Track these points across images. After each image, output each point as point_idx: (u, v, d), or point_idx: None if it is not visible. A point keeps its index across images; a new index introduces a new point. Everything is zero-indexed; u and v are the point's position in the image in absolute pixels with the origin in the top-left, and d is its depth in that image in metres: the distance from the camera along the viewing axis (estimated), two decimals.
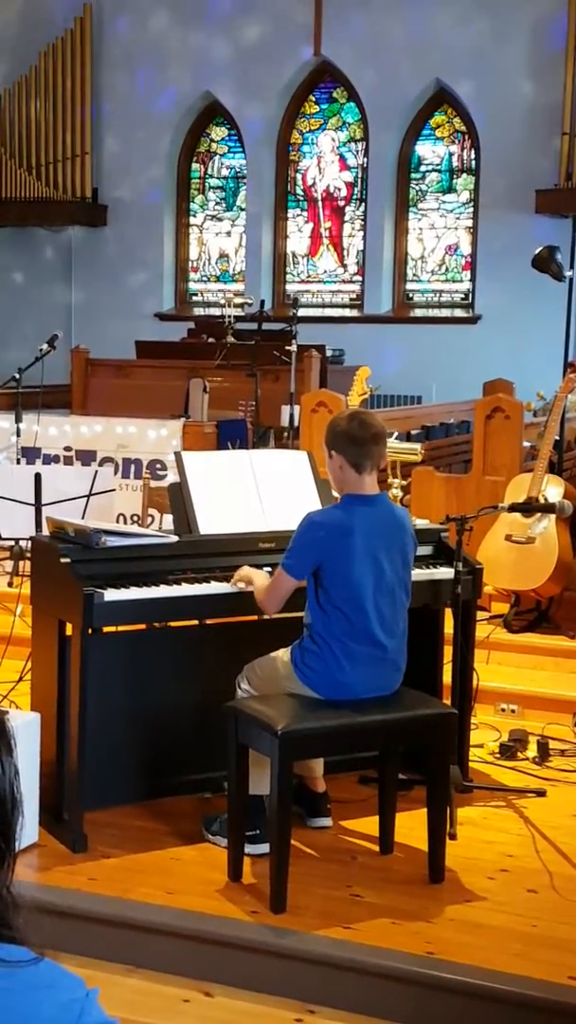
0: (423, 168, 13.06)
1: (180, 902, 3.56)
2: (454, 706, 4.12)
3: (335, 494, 4.56)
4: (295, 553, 3.73)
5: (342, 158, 13.38)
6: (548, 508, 5.61)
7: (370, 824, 4.08)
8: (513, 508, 5.27)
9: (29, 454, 7.53)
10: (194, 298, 14.05)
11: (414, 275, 13.20)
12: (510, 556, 5.82)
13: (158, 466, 7.55)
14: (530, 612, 5.99)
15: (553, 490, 5.89)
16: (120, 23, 13.54)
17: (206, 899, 3.59)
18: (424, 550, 4.34)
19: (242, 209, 13.73)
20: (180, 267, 14.01)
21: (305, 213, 13.57)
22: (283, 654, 3.86)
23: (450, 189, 12.99)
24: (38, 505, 6.01)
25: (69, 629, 3.99)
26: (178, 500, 4.27)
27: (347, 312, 13.35)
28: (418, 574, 4.13)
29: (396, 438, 5.97)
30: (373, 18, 12.51)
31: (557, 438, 6.28)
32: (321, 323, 12.62)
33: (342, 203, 13.42)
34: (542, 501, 5.76)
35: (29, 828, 3.90)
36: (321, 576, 3.71)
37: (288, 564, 3.75)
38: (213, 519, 4.25)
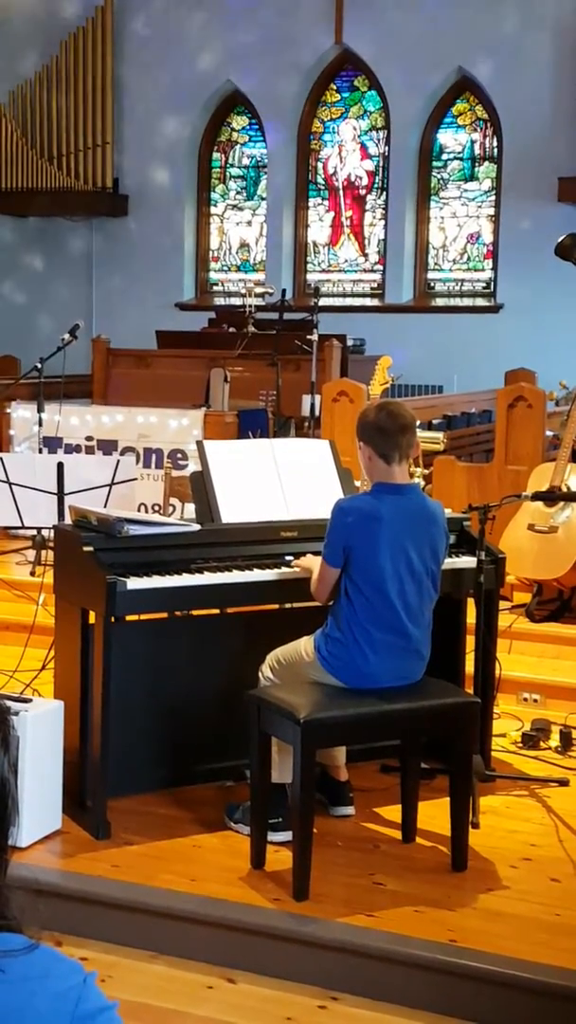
0: (445, 156, 13.00)
1: (203, 889, 3.57)
2: (476, 695, 4.11)
3: (356, 483, 4.57)
4: (329, 541, 3.76)
5: (363, 147, 13.33)
6: (571, 497, 5.60)
7: (393, 813, 4.08)
8: (536, 497, 5.25)
9: (51, 444, 7.55)
10: (215, 288, 14.04)
11: (435, 264, 13.15)
12: (532, 545, 5.80)
13: (179, 455, 7.55)
14: (552, 602, 5.97)
15: None
16: (141, 12, 13.51)
17: (229, 886, 3.60)
18: None
19: (263, 198, 13.70)
20: (201, 257, 14.00)
21: (326, 202, 13.53)
22: (307, 642, 3.87)
23: (472, 177, 12.92)
24: (60, 494, 6.03)
25: (92, 617, 4.01)
26: (200, 489, 4.28)
27: (368, 301, 13.31)
28: None
29: (418, 427, 5.95)
30: (395, 6, 12.44)
31: None
32: (342, 312, 12.58)
33: (363, 192, 13.38)
34: (565, 490, 5.75)
35: (52, 815, 3.92)
36: (348, 562, 3.72)
37: (325, 553, 3.78)
38: (235, 508, 4.25)
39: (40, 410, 7.32)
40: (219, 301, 13.65)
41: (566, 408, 6.50)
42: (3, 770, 1.36)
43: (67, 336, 7.29)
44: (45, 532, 6.49)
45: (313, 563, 3.96)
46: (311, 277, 13.46)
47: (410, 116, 12.75)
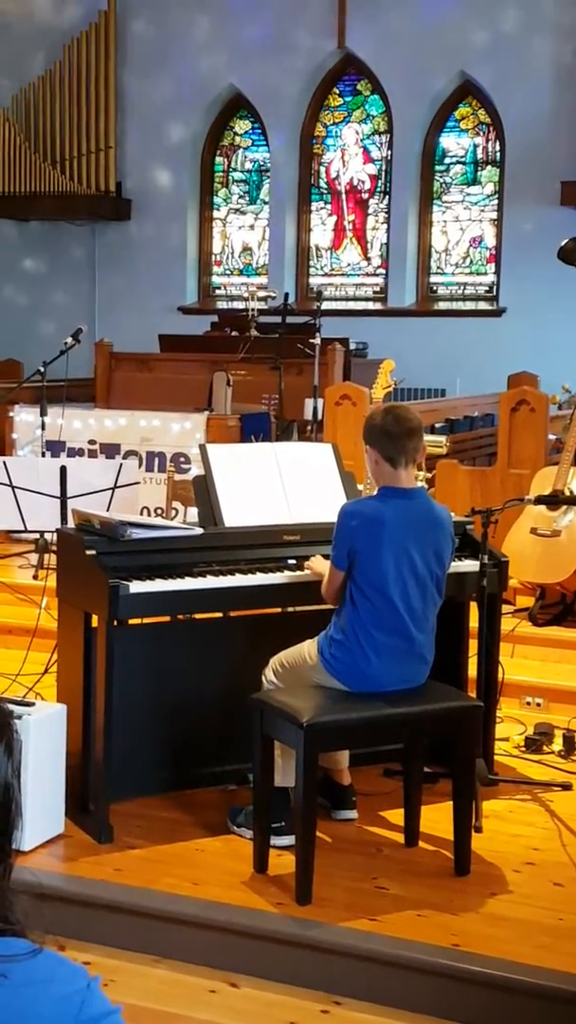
0: (447, 160, 13.00)
1: (205, 893, 3.57)
2: (479, 699, 4.11)
3: (360, 487, 4.57)
4: (335, 545, 3.77)
5: (366, 151, 13.34)
6: (574, 501, 5.59)
7: (395, 816, 4.08)
8: (539, 500, 5.25)
9: (54, 447, 7.56)
10: (217, 291, 14.04)
11: (438, 268, 13.16)
12: (535, 549, 5.80)
13: (182, 459, 7.56)
14: (555, 605, 5.97)
15: None
16: (143, 17, 13.52)
17: (231, 890, 3.60)
18: None
19: (265, 202, 13.70)
20: (203, 260, 14.00)
21: (328, 206, 13.53)
22: (310, 645, 3.87)
23: (475, 181, 12.92)
24: (63, 498, 6.03)
25: (95, 621, 4.01)
26: (203, 492, 4.28)
27: (371, 305, 13.30)
28: None
29: None
30: (397, 10, 12.45)
31: None
32: (345, 316, 12.58)
33: (366, 196, 13.38)
34: (568, 494, 5.75)
35: (55, 818, 3.92)
36: (352, 566, 3.72)
37: (332, 557, 3.79)
38: (238, 511, 4.25)
39: (43, 414, 7.33)
40: (222, 305, 13.65)
41: (568, 412, 6.50)
42: (7, 775, 1.36)
43: (70, 340, 7.30)
44: (48, 536, 6.49)
45: (323, 565, 3.96)
46: (314, 281, 13.46)
47: (413, 120, 12.76)
